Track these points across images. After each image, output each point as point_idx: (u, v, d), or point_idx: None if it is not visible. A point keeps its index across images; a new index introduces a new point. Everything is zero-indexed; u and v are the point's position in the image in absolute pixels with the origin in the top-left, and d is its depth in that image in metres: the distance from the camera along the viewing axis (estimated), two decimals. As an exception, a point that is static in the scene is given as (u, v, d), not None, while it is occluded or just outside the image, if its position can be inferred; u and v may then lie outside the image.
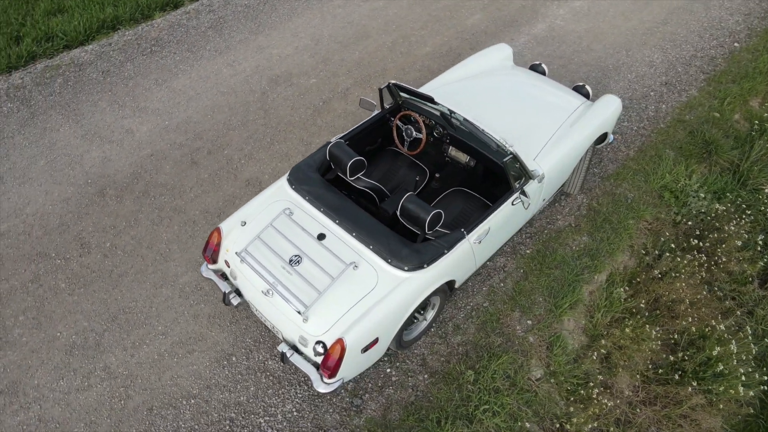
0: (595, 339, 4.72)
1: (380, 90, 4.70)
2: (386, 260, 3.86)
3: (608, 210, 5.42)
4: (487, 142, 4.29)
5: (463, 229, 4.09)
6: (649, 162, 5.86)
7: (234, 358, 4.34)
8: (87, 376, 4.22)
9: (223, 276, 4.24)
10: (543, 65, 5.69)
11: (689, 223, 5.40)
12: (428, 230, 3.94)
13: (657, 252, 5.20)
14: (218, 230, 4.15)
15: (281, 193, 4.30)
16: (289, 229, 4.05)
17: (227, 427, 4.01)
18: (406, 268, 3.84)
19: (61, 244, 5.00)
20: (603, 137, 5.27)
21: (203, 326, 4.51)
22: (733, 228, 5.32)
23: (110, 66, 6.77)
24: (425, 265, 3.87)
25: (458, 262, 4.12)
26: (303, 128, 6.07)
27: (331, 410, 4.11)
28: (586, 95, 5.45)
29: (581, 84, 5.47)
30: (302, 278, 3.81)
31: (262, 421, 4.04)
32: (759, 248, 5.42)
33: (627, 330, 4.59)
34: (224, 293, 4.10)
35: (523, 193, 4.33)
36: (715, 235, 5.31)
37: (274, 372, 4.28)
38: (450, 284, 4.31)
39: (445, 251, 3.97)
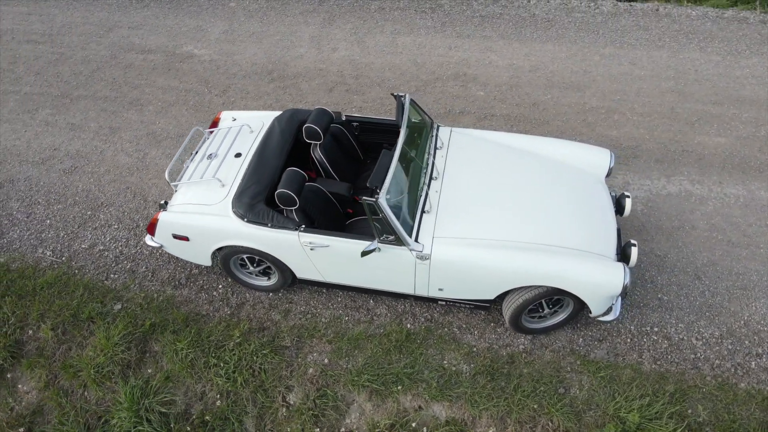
0: (368, 438, 4.23)
1: (395, 96, 4.79)
2: (233, 196, 4.44)
3: (520, 373, 4.29)
4: (374, 178, 4.08)
5: (303, 225, 4.24)
6: (645, 389, 4.17)
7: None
8: (106, 150, 6.23)
9: None
10: (628, 199, 4.56)
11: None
12: (278, 203, 4.28)
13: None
14: (220, 113, 5.34)
15: (267, 117, 5.14)
16: (232, 137, 4.95)
17: (104, 228, 5.49)
18: (233, 210, 4.36)
19: (214, 82, 6.99)
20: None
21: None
22: None
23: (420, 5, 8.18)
24: (245, 219, 4.30)
25: (283, 247, 4.34)
26: (419, 118, 6.40)
27: (169, 270, 5.11)
28: (625, 259, 4.21)
29: (634, 242, 4.22)
30: (197, 168, 4.76)
31: (127, 241, 5.36)
32: None
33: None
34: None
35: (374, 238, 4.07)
36: None
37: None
38: (291, 271, 4.58)
39: (268, 225, 4.27)
